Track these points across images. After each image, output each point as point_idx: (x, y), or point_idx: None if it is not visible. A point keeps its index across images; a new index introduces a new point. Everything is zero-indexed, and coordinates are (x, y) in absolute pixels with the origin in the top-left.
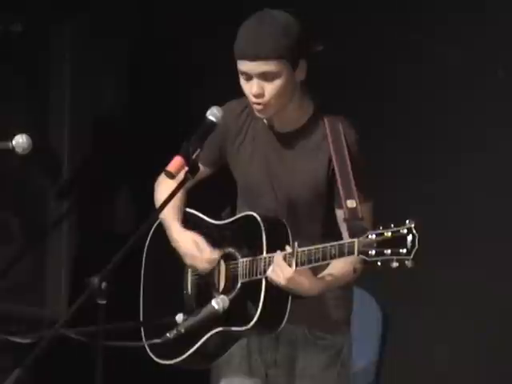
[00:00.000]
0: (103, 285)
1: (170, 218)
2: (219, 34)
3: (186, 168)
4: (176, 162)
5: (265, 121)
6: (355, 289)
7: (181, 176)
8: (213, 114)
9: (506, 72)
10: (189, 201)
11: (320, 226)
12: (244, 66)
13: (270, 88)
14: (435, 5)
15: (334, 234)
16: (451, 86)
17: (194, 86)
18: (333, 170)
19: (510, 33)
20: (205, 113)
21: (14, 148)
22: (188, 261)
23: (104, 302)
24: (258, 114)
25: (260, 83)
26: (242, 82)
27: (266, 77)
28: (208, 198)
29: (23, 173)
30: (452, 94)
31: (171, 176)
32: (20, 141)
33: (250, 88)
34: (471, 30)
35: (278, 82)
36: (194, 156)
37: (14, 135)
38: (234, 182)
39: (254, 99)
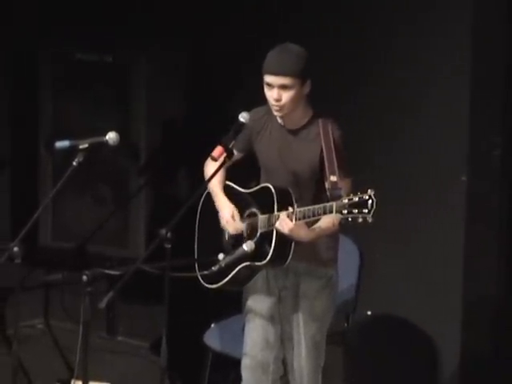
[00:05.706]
0: (168, 234)
1: (217, 189)
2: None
3: (225, 154)
4: (218, 150)
5: (279, 121)
6: (340, 236)
7: (221, 159)
8: (243, 116)
9: None
10: (228, 175)
11: (312, 193)
12: (269, 78)
13: (286, 95)
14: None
15: (322, 199)
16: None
17: (230, 97)
18: (323, 155)
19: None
20: (237, 116)
21: (107, 141)
22: (223, 222)
23: (169, 246)
24: (275, 113)
25: (279, 91)
26: (266, 90)
27: (283, 87)
28: (241, 173)
29: (113, 158)
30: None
31: (214, 159)
32: (111, 136)
33: (271, 94)
34: None
35: (291, 92)
36: (230, 146)
37: (107, 132)
38: (257, 163)
39: (274, 102)
